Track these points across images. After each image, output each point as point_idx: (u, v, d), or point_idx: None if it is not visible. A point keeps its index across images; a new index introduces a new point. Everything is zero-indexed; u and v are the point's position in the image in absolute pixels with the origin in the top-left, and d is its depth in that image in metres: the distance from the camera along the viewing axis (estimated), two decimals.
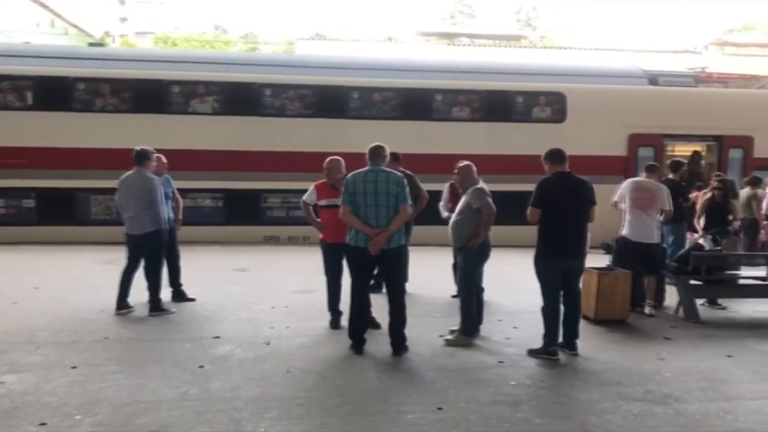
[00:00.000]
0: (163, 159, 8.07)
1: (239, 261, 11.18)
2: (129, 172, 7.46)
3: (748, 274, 8.54)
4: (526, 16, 57.15)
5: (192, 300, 8.04)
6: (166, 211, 7.52)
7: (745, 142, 15.24)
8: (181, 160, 12.20)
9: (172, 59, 15.94)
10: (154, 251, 7.46)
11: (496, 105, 14.74)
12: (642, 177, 8.28)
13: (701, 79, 16.85)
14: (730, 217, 9.23)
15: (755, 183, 12.46)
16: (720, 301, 8.55)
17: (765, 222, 12.62)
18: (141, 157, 7.43)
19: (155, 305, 7.44)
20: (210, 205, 14.33)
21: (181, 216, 8.28)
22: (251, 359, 5.81)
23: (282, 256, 12.30)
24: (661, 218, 8.10)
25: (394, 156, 7.25)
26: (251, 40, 51.91)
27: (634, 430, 4.44)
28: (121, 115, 13.54)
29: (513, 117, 14.78)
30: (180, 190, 8.41)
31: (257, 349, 6.10)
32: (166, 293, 8.03)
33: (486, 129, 14.40)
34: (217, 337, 6.48)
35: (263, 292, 8.60)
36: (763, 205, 12.74)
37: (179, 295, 8.10)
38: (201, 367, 5.57)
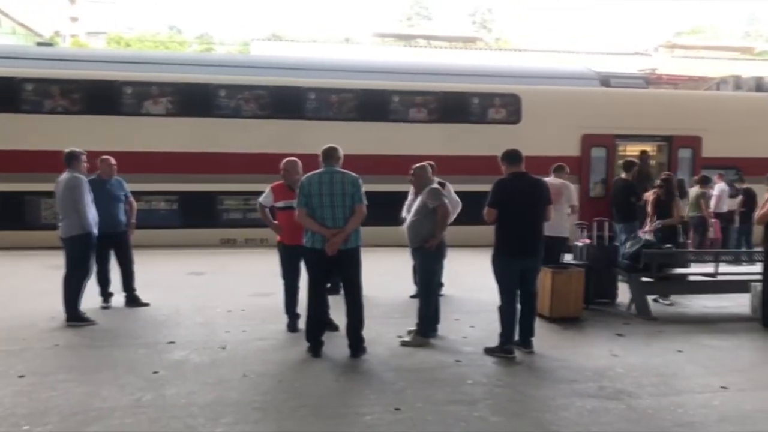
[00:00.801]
0: (112, 161, 7.91)
1: (195, 264, 11.04)
2: (62, 175, 7.26)
3: (697, 270, 8.76)
4: (482, 19, 57.73)
5: (146, 305, 7.90)
6: (94, 215, 7.16)
7: (693, 142, 15.65)
8: (135, 163, 12.02)
9: (124, 60, 15.62)
10: (78, 256, 7.11)
11: (453, 106, 14.85)
12: (551, 177, 8.49)
13: (651, 80, 17.29)
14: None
15: (704, 182, 12.83)
16: (672, 297, 8.76)
17: (713, 220, 12.99)
18: (69, 159, 7.23)
19: (70, 314, 7.04)
20: (165, 207, 14.10)
21: (134, 219, 8.11)
22: (207, 364, 5.73)
23: (239, 259, 12.18)
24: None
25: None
26: (206, 40, 51.32)
27: (587, 427, 4.50)
28: (72, 116, 13.22)
29: (469, 118, 14.91)
30: (134, 193, 8.26)
31: (213, 354, 6.01)
32: (119, 298, 7.91)
33: (443, 130, 14.49)
34: (172, 342, 6.37)
35: (219, 296, 8.49)
36: (712, 204, 13.12)
37: (133, 300, 7.95)
38: (155, 372, 5.47)
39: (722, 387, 5.38)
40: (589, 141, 15.15)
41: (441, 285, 7.72)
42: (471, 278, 9.02)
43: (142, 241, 9.23)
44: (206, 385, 5.16)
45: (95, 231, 7.17)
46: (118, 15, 58.79)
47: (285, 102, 14.12)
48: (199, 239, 13.39)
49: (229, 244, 13.70)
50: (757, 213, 7.64)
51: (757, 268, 8.12)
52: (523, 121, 14.83)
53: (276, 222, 6.91)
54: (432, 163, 7.05)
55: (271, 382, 5.32)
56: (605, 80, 16.07)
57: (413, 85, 14.80)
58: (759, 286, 7.69)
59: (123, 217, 7.93)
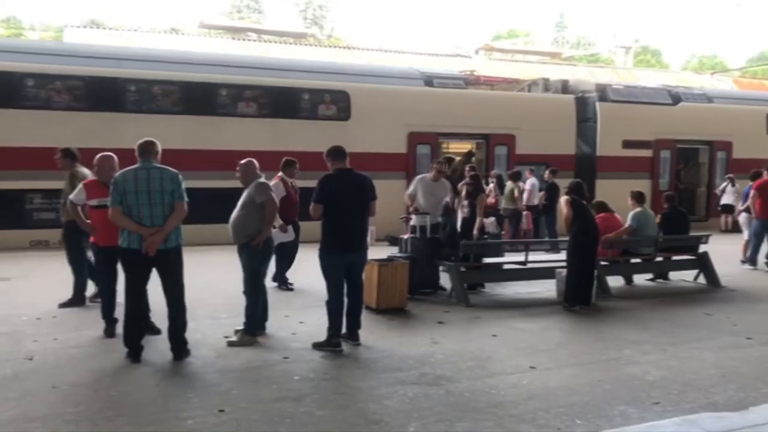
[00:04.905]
0: None
1: (0, 269, 10.06)
2: None
3: (510, 259, 9.40)
4: (313, 15, 57.85)
5: None
6: None
7: (508, 140, 16.78)
8: None
9: None
10: None
11: (282, 102, 14.78)
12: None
13: (470, 81, 18.29)
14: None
15: (516, 177, 13.83)
16: (486, 285, 9.33)
17: (525, 212, 14.03)
18: None
19: None
20: None
21: None
22: (10, 377, 5.25)
23: (51, 263, 11.20)
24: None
25: (67, 151, 7.37)
26: (14, 25, 46.89)
27: (408, 413, 4.67)
28: None
29: (299, 114, 14.91)
30: None
31: (17, 366, 5.52)
32: None
33: (272, 125, 14.37)
34: None
35: (28, 303, 7.83)
36: (524, 197, 14.16)
37: None
38: None
39: (531, 367, 5.80)
40: (414, 139, 15.73)
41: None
42: (301, 274, 9.03)
43: None
44: (8, 401, 4.73)
45: None
46: None
47: (102, 93, 13.29)
48: (5, 241, 12.24)
49: (40, 246, 12.65)
50: (563, 221, 8.38)
51: (561, 255, 8.89)
52: (353, 118, 15.08)
53: (89, 221, 6.49)
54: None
55: (86, 391, 5.00)
56: (428, 80, 16.74)
57: (241, 79, 14.53)
58: (564, 272, 8.41)
59: None
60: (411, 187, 9.18)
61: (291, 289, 8.80)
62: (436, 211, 8.90)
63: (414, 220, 8.75)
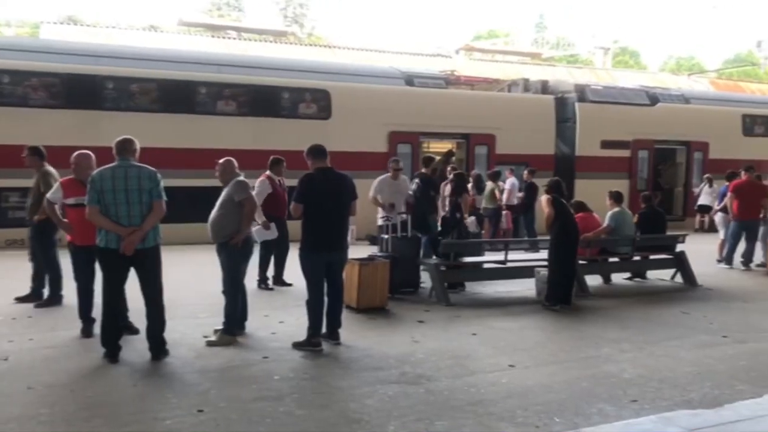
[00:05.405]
0: None
1: None
2: None
3: (490, 258, 9.44)
4: (294, 13, 57.63)
5: None
6: None
7: (488, 140, 16.85)
8: None
9: None
10: None
11: (263, 100, 14.70)
12: None
13: (451, 81, 18.32)
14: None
15: (496, 177, 13.91)
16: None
17: (505, 212, 14.10)
18: None
19: None
20: None
21: None
22: None
23: (26, 262, 11.06)
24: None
25: (35, 149, 7.39)
26: None
27: (389, 412, 4.67)
28: None
29: (279, 113, 14.84)
30: None
31: None
32: None
33: (252, 124, 14.30)
34: None
35: (3, 303, 7.70)
36: (504, 197, 14.23)
37: None
38: None
39: (510, 365, 5.83)
40: (395, 138, 15.73)
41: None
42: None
43: None
44: None
45: None
46: None
47: (79, 91, 13.12)
48: None
49: (16, 245, 12.47)
50: (544, 220, 8.42)
51: (540, 254, 8.94)
52: (333, 117, 15.04)
53: (66, 220, 6.41)
54: None
55: (62, 392, 4.94)
56: (409, 80, 16.74)
57: (221, 77, 14.43)
58: (542, 271, 8.46)
59: None
60: (374, 189, 9.27)
61: (271, 289, 8.79)
62: (402, 207, 9.17)
63: (398, 218, 8.85)
